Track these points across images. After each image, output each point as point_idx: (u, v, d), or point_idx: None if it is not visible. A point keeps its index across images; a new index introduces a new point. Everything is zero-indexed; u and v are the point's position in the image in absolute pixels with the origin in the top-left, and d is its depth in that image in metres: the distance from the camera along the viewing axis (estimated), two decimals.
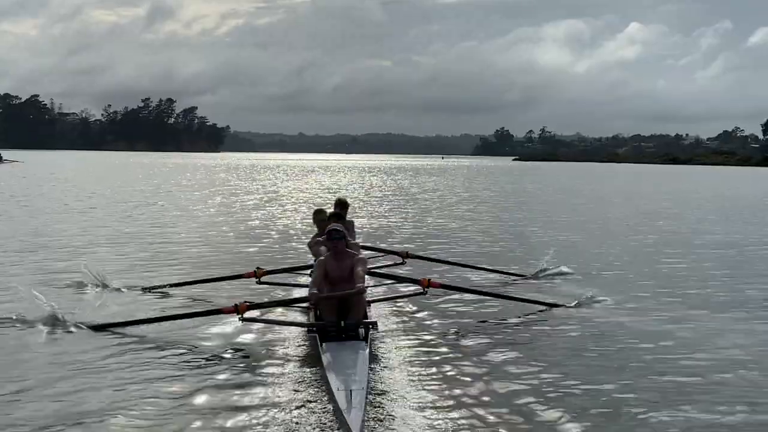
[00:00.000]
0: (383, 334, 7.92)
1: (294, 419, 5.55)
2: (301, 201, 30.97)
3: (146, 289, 10.13)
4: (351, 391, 5.42)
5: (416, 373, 6.68)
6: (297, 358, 7.15)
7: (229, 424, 5.49)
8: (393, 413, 5.65)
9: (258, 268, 9.56)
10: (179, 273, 11.73)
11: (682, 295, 10.64)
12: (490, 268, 12.02)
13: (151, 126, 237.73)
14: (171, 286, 10.24)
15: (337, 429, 5.30)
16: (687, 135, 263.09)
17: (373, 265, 10.04)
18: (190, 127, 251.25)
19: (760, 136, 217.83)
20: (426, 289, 8.09)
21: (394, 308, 9.31)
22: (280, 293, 9.81)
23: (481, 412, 5.79)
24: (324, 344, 6.66)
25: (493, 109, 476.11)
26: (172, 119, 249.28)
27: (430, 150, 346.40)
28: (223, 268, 11.82)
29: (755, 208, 32.30)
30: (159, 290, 10.11)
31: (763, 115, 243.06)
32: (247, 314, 7.27)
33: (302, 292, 8.74)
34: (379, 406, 5.76)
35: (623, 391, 6.32)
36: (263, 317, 7.98)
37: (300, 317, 8.50)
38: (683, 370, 6.92)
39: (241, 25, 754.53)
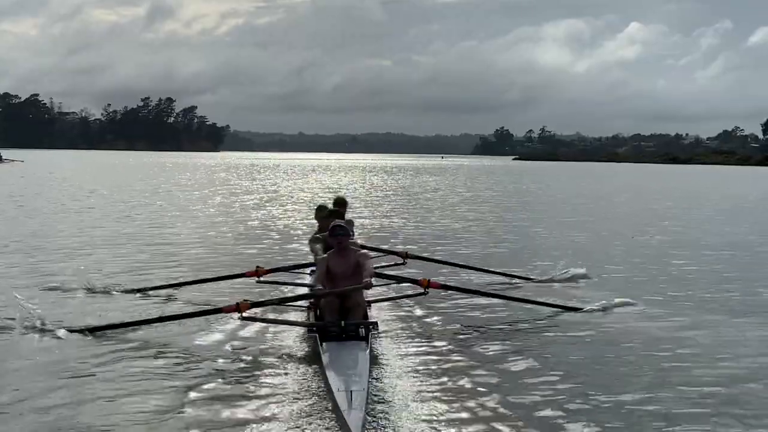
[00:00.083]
0: (384, 334, 7.90)
1: (294, 419, 5.54)
2: (301, 200, 30.97)
3: (146, 290, 10.09)
4: (351, 391, 5.40)
5: (417, 374, 6.67)
6: (297, 358, 7.14)
7: (228, 423, 5.48)
8: (393, 414, 5.64)
9: (258, 267, 9.52)
10: (179, 273, 11.72)
11: (697, 299, 10.39)
12: (491, 269, 11.90)
13: (151, 125, 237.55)
14: (171, 286, 10.22)
15: (337, 429, 5.28)
16: (687, 135, 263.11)
17: (373, 266, 9.99)
18: (190, 127, 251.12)
19: (760, 136, 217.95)
20: (426, 290, 8.07)
21: (395, 308, 9.29)
22: (281, 292, 9.78)
23: (481, 412, 5.78)
24: (324, 344, 6.64)
25: (492, 108, 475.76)
26: (172, 119, 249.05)
27: (430, 149, 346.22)
28: (223, 268, 11.79)
29: (759, 207, 32.28)
30: (159, 290, 10.09)
31: (763, 115, 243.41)
32: (249, 313, 7.26)
33: (304, 291, 8.71)
34: (379, 407, 5.75)
35: (636, 400, 6.17)
36: (263, 316, 7.97)
37: (300, 317, 8.48)
38: (704, 379, 6.68)
39: (241, 25, 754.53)
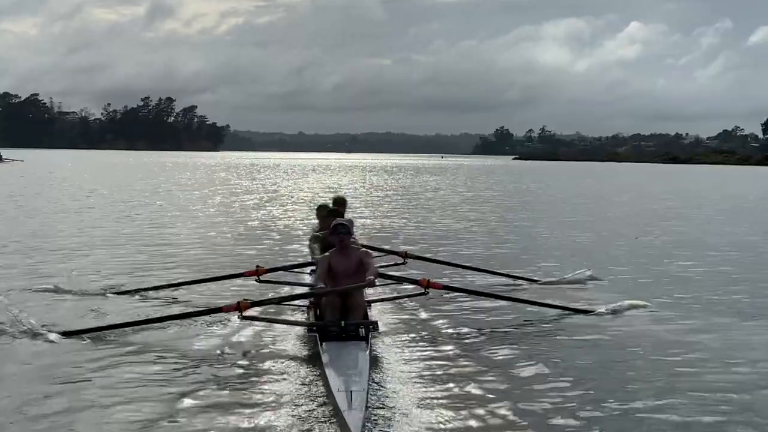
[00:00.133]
0: (384, 334, 7.88)
1: (294, 419, 5.52)
2: (302, 200, 30.97)
3: (146, 290, 10.07)
4: (351, 391, 5.38)
5: (417, 374, 6.66)
6: (297, 358, 7.13)
7: (228, 423, 5.46)
8: (393, 414, 5.63)
9: (258, 266, 9.51)
10: (179, 273, 11.70)
11: (705, 301, 10.23)
12: (493, 270, 11.80)
13: (151, 125, 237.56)
14: (171, 286, 10.20)
15: (337, 429, 5.27)
16: (687, 134, 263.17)
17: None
18: (190, 126, 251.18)
19: (760, 136, 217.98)
20: (426, 290, 8.05)
21: (395, 309, 9.28)
22: (281, 291, 9.76)
23: (482, 412, 5.76)
24: (324, 344, 6.63)
25: (492, 108, 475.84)
26: (172, 118, 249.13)
27: (430, 149, 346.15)
28: (223, 268, 11.77)
29: (760, 207, 32.25)
30: (158, 291, 10.07)
31: (763, 115, 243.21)
32: (249, 312, 7.24)
33: (305, 290, 8.70)
34: (379, 407, 5.74)
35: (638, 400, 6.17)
36: (263, 316, 7.95)
37: (300, 316, 8.46)
38: (717, 385, 6.48)
39: (240, 24, 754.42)
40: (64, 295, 9.76)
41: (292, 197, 33.14)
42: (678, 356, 7.40)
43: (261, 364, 6.89)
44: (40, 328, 7.66)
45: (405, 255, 10.66)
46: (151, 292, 10.03)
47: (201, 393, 6.08)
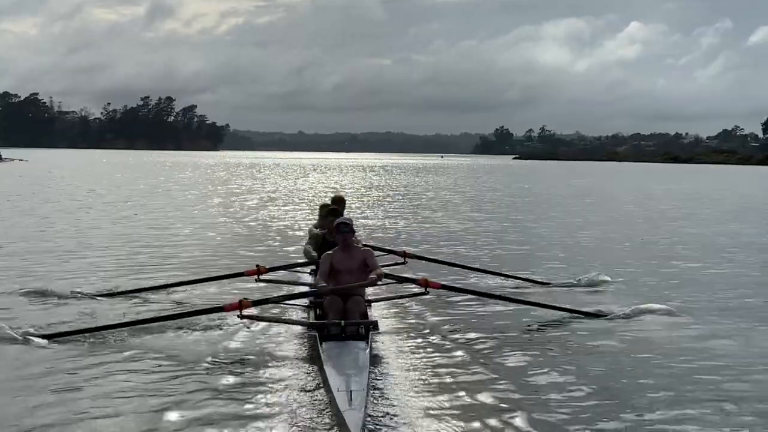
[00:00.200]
0: (384, 333, 7.88)
1: (294, 419, 5.53)
2: (302, 200, 30.96)
3: (146, 290, 10.06)
4: (351, 391, 5.38)
5: (417, 374, 6.66)
6: (297, 357, 7.14)
7: (228, 423, 5.46)
8: (393, 414, 5.63)
9: (259, 265, 9.50)
10: (179, 273, 11.68)
11: (722, 305, 9.90)
12: (494, 271, 11.73)
13: (151, 124, 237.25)
14: (171, 285, 10.20)
15: (337, 429, 5.27)
16: (687, 134, 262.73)
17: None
18: (190, 126, 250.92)
19: (760, 135, 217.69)
20: (427, 290, 8.06)
21: (395, 308, 9.28)
22: (282, 290, 9.76)
23: (482, 412, 5.76)
24: (324, 343, 6.63)
25: (492, 107, 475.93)
26: (172, 118, 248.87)
27: (430, 149, 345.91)
28: (223, 267, 11.77)
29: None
30: (159, 290, 10.06)
31: (763, 114, 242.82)
32: (249, 311, 7.25)
33: (305, 289, 8.69)
34: (379, 407, 5.74)
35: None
36: (264, 315, 7.95)
37: (301, 315, 8.46)
38: (738, 395, 6.22)
39: (240, 24, 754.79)
40: (53, 297, 9.53)
41: (292, 196, 33.13)
42: (696, 363, 7.13)
43: (261, 363, 6.89)
44: (32, 331, 7.56)
45: (405, 255, 10.65)
46: (151, 292, 10.02)
47: (201, 392, 6.07)
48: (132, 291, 10.01)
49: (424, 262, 11.51)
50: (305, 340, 7.54)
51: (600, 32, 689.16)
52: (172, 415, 5.57)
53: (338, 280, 7.30)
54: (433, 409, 5.76)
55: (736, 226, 22.22)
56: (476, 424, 5.53)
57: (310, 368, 6.68)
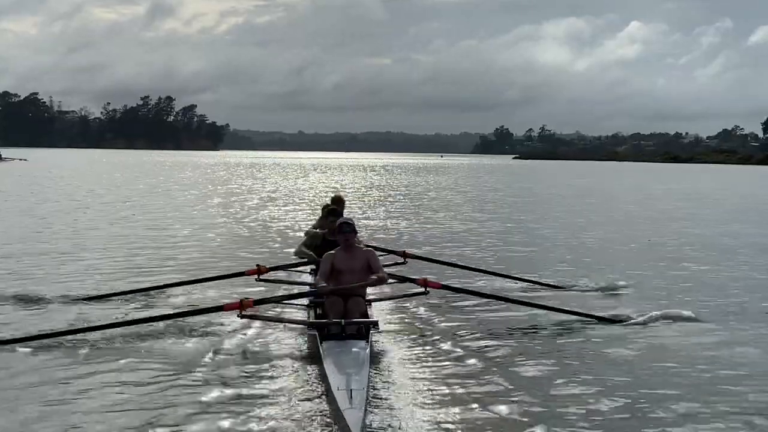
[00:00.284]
0: (384, 333, 7.90)
1: (294, 418, 5.54)
2: (302, 200, 30.96)
3: (147, 290, 10.05)
4: (351, 390, 5.40)
5: (417, 373, 6.67)
6: (297, 356, 7.15)
7: (228, 422, 5.47)
8: (393, 413, 5.64)
9: (259, 265, 9.50)
10: (179, 272, 11.69)
11: (740, 310, 9.58)
12: (494, 271, 11.67)
13: (151, 124, 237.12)
14: (171, 285, 10.18)
15: (337, 428, 5.28)
16: (687, 134, 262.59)
17: None
18: (190, 125, 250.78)
19: (760, 135, 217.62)
20: (427, 290, 8.07)
21: (395, 308, 9.30)
22: (282, 290, 9.76)
23: (482, 412, 5.77)
24: (324, 343, 6.65)
25: (492, 107, 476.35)
26: (172, 117, 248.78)
27: (430, 148, 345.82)
28: (223, 267, 11.77)
29: None
30: (159, 290, 10.05)
31: (763, 114, 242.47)
32: (250, 311, 7.25)
33: (306, 289, 8.69)
34: (379, 406, 5.75)
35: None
36: (264, 314, 7.95)
37: (302, 315, 8.46)
38: (759, 405, 5.98)
39: (240, 24, 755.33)
40: (57, 296, 9.56)
41: (292, 196, 33.13)
42: (720, 371, 6.84)
43: (262, 362, 6.90)
44: (30, 331, 7.56)
45: (405, 255, 10.65)
46: (151, 291, 10.01)
47: (201, 391, 6.09)
48: (132, 291, 10.00)
49: (424, 262, 11.51)
50: (305, 339, 7.55)
51: (600, 32, 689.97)
52: (173, 414, 5.58)
53: (339, 280, 7.30)
54: (432, 409, 5.77)
55: (738, 226, 22.06)
56: (476, 423, 5.54)
57: (311, 367, 6.69)
